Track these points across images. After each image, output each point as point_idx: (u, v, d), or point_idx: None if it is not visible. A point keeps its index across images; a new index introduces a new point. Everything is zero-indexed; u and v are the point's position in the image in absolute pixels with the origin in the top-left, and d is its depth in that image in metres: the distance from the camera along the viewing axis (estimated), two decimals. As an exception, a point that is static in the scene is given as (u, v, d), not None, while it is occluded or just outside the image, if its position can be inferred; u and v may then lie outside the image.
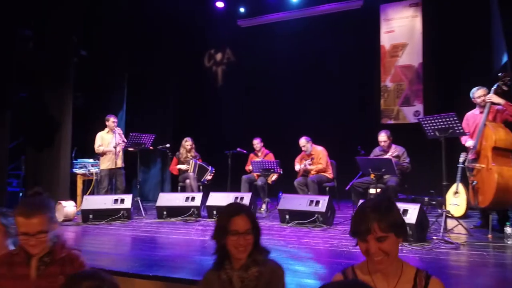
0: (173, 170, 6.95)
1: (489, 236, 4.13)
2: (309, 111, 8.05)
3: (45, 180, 6.26)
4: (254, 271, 1.66)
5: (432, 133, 4.53)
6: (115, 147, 6.16)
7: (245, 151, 7.03)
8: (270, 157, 6.70)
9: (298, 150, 6.63)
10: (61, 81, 6.47)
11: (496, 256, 3.53)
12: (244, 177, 6.63)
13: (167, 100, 8.79)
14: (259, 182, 6.37)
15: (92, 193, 6.50)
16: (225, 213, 1.70)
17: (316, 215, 4.87)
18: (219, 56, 9.37)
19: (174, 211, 5.65)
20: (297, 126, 7.66)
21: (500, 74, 4.50)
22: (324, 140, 6.68)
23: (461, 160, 5.49)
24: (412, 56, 7.52)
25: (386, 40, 7.75)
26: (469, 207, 5.41)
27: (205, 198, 5.82)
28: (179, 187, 6.73)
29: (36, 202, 1.79)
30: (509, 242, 3.84)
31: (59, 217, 5.58)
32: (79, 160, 6.73)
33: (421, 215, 4.05)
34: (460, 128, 4.32)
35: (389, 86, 7.67)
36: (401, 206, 4.09)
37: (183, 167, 6.76)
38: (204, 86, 9.29)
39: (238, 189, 6.48)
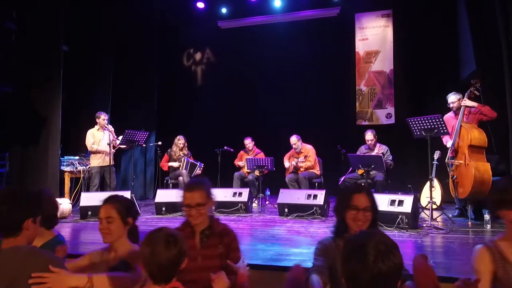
0: (164, 166, 7.02)
1: (469, 223, 4.74)
2: (289, 112, 8.40)
3: (32, 178, 6.10)
4: None
5: (418, 133, 5.07)
6: (109, 145, 6.13)
7: (232, 149, 7.26)
8: (262, 156, 6.98)
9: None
10: (49, 76, 6.30)
11: (482, 237, 4.11)
12: (236, 174, 6.87)
13: (150, 97, 8.76)
14: (250, 177, 6.64)
15: (80, 191, 6.40)
16: (347, 190, 1.99)
17: (314, 208, 5.25)
18: (198, 56, 9.47)
19: (172, 207, 5.75)
20: (277, 127, 8.04)
21: (472, 80, 5.15)
22: (304, 140, 7.00)
23: (435, 157, 6.14)
24: (384, 63, 8.17)
25: (360, 47, 8.34)
26: (443, 200, 6.07)
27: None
28: (170, 184, 6.80)
29: (198, 180, 2.19)
30: (488, 227, 4.47)
31: (55, 214, 5.48)
32: (66, 157, 6.59)
33: (415, 205, 4.56)
34: (445, 128, 4.89)
35: (363, 90, 8.27)
36: (396, 197, 4.61)
37: (174, 164, 6.85)
38: (183, 85, 9.34)
39: (227, 185, 6.69)
